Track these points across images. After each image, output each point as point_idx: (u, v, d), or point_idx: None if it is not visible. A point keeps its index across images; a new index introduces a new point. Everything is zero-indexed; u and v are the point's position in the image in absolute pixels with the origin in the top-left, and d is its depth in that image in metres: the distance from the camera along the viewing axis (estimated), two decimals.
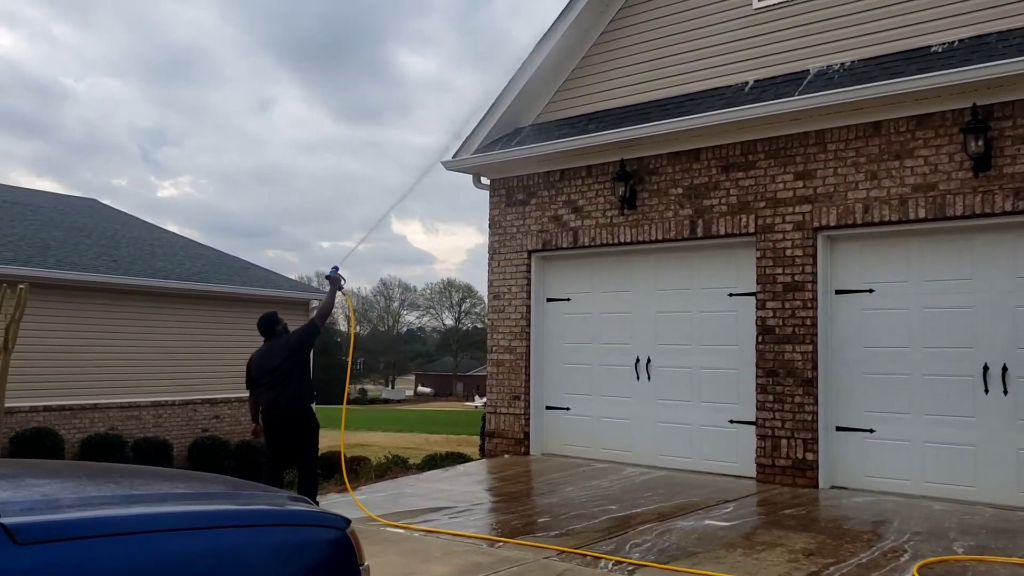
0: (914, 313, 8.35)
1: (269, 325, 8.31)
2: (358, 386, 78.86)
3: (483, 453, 12.06)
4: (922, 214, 8.14)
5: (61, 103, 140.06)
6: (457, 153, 11.58)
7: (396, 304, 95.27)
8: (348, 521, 3.10)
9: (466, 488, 9.30)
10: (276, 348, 8.13)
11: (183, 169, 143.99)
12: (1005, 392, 7.79)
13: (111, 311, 18.32)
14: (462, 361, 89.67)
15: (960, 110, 7.91)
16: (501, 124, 11.37)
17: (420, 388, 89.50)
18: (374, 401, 72.86)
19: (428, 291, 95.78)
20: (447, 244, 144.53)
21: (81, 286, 17.74)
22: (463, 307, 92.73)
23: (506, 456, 11.02)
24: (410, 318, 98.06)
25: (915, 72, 8.06)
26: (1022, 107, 7.63)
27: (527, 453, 10.94)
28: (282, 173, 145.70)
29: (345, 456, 17.27)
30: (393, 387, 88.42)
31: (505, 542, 6.84)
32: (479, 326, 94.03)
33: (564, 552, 6.60)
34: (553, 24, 10.79)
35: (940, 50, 8.16)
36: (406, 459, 11.70)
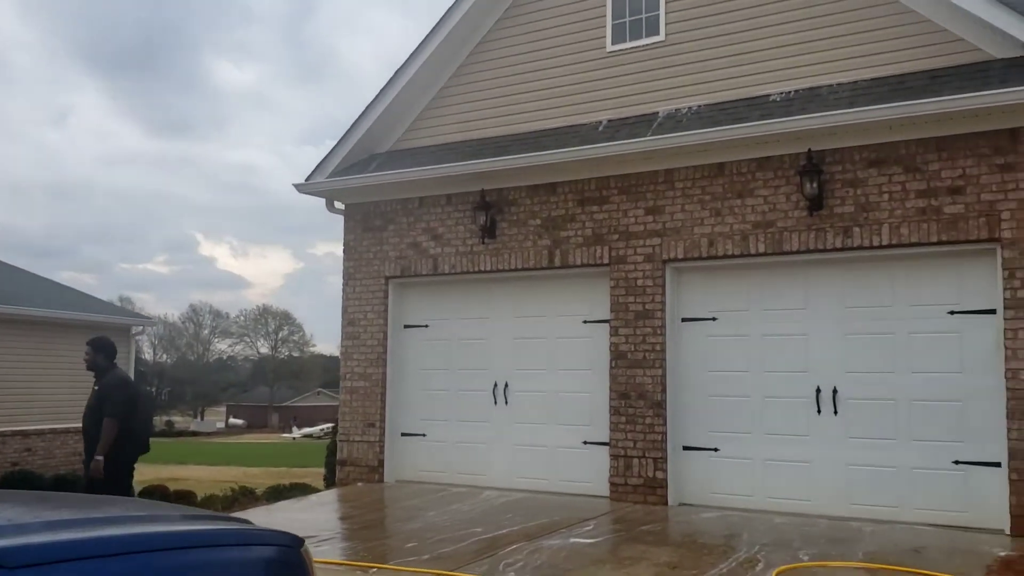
0: (754, 340, 9.06)
1: (115, 352, 8.06)
2: (164, 418, 74.82)
3: (328, 483, 11.90)
4: (762, 248, 8.87)
5: None
6: (311, 176, 11.48)
7: (207, 331, 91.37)
8: (302, 541, 3.14)
9: (325, 516, 9.17)
10: (136, 380, 7.91)
11: None
12: (835, 412, 8.59)
13: None
14: (278, 391, 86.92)
15: (796, 154, 8.71)
16: (357, 150, 11.39)
17: (232, 420, 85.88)
18: (182, 433, 69.17)
19: (242, 318, 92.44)
20: (261, 268, 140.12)
21: None
22: (280, 335, 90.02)
23: (359, 484, 10.91)
24: (222, 346, 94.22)
25: (757, 118, 8.81)
26: (850, 153, 8.51)
27: (381, 480, 10.89)
28: (81, 188, 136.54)
29: (169, 490, 16.44)
30: (202, 419, 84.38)
31: (379, 568, 6.83)
32: (296, 355, 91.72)
33: (440, 575, 6.68)
34: (412, 54, 10.96)
35: (779, 99, 8.97)
36: (254, 489, 11.34)
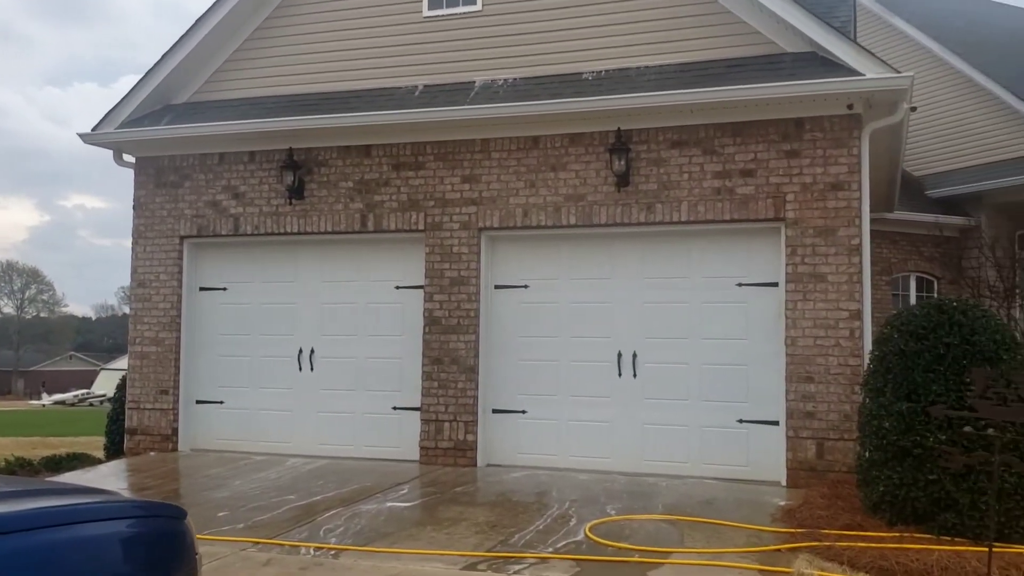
0: (563, 307, 9.45)
1: None
2: None
3: (109, 453, 11.17)
4: (573, 221, 9.24)
5: None
6: (98, 126, 10.62)
7: None
8: (186, 512, 3.13)
9: (121, 487, 8.67)
10: None
11: None
12: (634, 375, 9.16)
13: None
14: (25, 355, 79.64)
15: (606, 132, 9.12)
16: (151, 99, 10.66)
17: None
18: None
19: None
20: (1, 220, 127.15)
21: None
22: (27, 294, 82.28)
23: (152, 454, 10.36)
24: None
25: (570, 95, 9.13)
26: (655, 134, 9.03)
27: (175, 450, 10.40)
28: None
29: None
30: None
31: (196, 539, 6.56)
32: (45, 316, 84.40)
33: (260, 543, 6.56)
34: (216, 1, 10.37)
35: (591, 78, 9.33)
36: (32, 461, 10.42)
